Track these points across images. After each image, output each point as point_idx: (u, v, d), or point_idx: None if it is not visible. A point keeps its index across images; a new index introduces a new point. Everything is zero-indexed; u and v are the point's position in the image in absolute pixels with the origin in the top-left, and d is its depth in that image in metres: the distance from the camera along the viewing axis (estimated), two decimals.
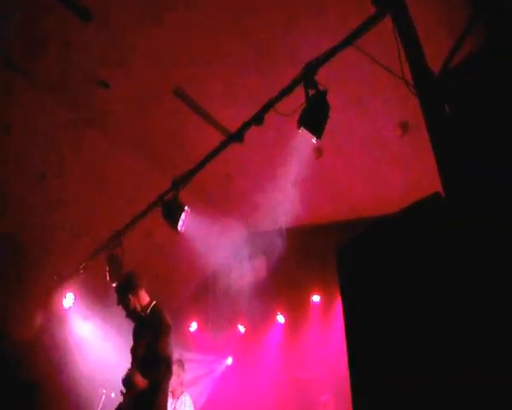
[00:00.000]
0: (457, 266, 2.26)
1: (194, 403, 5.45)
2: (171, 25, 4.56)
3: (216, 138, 4.85)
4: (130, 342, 3.93)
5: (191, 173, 4.87)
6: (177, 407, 5.26)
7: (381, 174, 6.11)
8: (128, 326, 7.11)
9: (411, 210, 2.63)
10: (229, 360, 8.79)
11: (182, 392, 5.17)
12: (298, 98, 3.78)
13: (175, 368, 5.03)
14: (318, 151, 5.70)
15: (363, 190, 6.48)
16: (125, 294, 3.93)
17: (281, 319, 8.12)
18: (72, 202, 6.44)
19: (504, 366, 1.93)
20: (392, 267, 2.63)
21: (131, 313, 3.94)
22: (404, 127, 5.19)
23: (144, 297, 3.99)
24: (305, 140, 3.95)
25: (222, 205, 7.13)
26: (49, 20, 4.52)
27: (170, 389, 4.90)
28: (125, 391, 3.37)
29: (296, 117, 3.76)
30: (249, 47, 4.61)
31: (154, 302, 3.98)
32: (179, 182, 4.93)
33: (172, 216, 4.86)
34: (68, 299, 6.81)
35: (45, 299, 7.09)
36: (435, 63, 2.91)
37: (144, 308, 3.90)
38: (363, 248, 2.84)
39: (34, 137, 5.54)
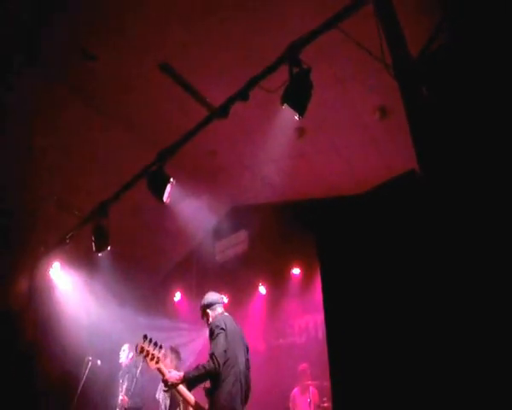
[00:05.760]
0: (430, 238, 2.42)
1: None
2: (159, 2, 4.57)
3: (202, 114, 4.92)
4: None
5: (176, 146, 4.96)
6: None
7: (358, 155, 6.26)
8: (113, 297, 7.18)
9: (388, 185, 2.80)
10: None
11: None
12: (283, 76, 3.88)
13: (165, 353, 5.06)
14: (300, 131, 5.81)
15: (341, 169, 6.63)
16: (203, 311, 4.25)
17: (262, 290, 8.38)
18: (59, 175, 6.46)
19: (483, 343, 2.08)
20: (367, 240, 2.79)
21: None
22: (383, 111, 5.34)
23: (219, 311, 4.24)
24: (289, 118, 4.07)
25: (206, 179, 7.21)
26: None
27: None
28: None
29: (280, 94, 3.88)
30: (236, 26, 4.66)
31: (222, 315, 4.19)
32: (164, 154, 4.99)
33: (157, 187, 4.91)
34: (55, 268, 6.92)
35: (32, 269, 7.16)
36: (413, 50, 3.06)
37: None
38: (340, 221, 3.00)
39: (21, 110, 5.50)
